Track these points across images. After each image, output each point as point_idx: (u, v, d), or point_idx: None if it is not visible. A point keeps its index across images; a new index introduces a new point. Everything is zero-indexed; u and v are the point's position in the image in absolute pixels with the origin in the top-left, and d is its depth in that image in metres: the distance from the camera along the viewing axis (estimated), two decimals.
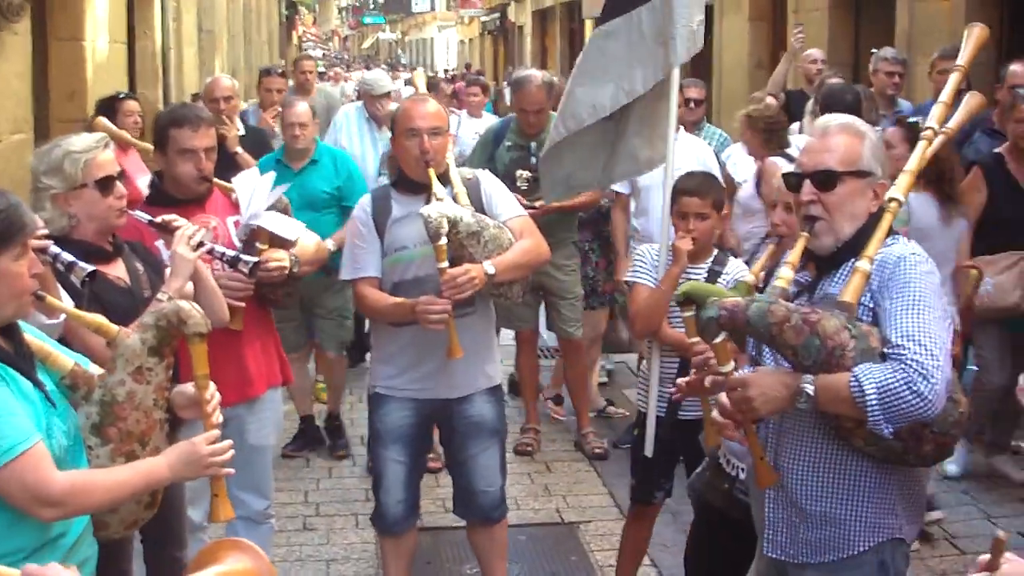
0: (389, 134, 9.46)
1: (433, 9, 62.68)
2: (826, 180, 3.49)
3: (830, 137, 3.55)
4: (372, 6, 79.38)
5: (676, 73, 5.64)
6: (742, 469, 4.29)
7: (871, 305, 3.36)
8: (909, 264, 3.35)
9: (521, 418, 8.03)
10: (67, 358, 3.41)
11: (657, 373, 5.30)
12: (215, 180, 4.94)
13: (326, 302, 7.61)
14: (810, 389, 3.31)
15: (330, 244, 6.29)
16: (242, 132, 8.68)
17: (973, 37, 4.31)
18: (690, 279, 5.08)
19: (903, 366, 3.17)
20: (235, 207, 4.98)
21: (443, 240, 4.72)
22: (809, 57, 10.04)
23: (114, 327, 3.52)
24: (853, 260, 3.44)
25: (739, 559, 4.58)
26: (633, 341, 8.73)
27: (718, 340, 3.47)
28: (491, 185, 5.21)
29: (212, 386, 3.51)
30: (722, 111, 13.30)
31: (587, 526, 6.60)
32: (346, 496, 7.11)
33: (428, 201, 4.86)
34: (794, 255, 3.79)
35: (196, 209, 4.81)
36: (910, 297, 3.28)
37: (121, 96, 8.77)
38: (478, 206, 5.03)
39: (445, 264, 4.76)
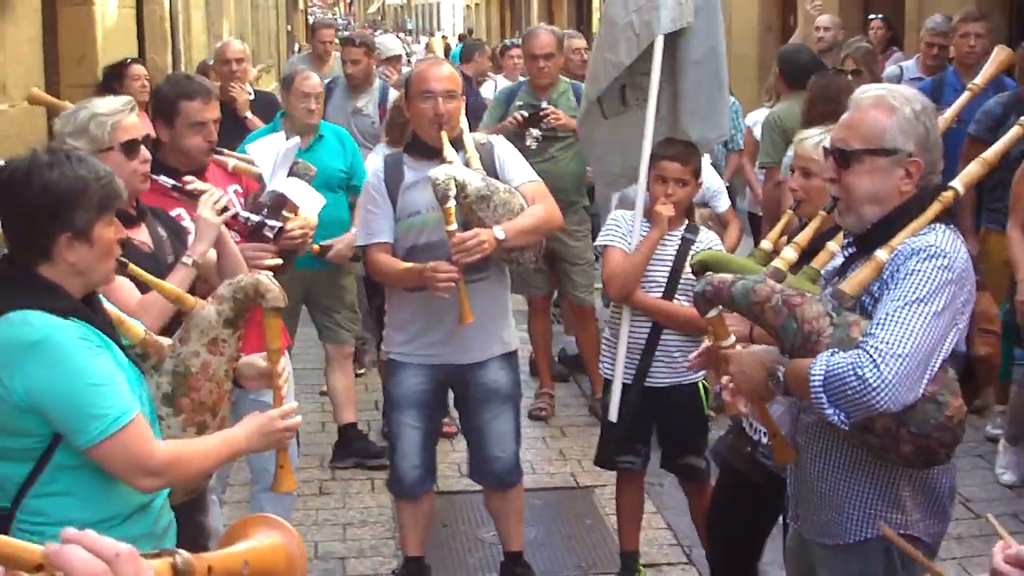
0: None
1: None
2: (843, 158, 3.32)
3: (857, 111, 3.37)
4: None
5: (659, 42, 5.53)
6: (764, 433, 4.30)
7: (877, 295, 3.24)
8: (920, 257, 3.16)
9: (535, 382, 8.04)
10: (139, 326, 3.44)
11: (626, 339, 5.31)
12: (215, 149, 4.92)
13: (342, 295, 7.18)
14: (780, 372, 3.29)
15: (354, 232, 6.15)
16: (251, 96, 8.66)
17: (996, 60, 4.28)
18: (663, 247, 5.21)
19: (859, 351, 3.07)
20: (231, 177, 4.98)
21: (451, 203, 4.71)
22: (816, 24, 9.77)
23: (191, 298, 3.55)
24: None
25: (761, 523, 4.61)
26: (567, 319, 8.80)
27: (713, 314, 3.43)
28: (504, 150, 5.20)
29: (284, 359, 3.54)
30: (732, 76, 13.24)
31: (602, 490, 6.61)
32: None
33: (439, 165, 4.84)
34: (803, 235, 3.82)
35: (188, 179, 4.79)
36: (906, 290, 3.13)
37: (128, 61, 8.74)
38: (491, 171, 5.02)
39: (454, 227, 4.75)
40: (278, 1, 31.68)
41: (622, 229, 5.36)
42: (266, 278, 3.57)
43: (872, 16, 11.57)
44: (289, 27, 34.91)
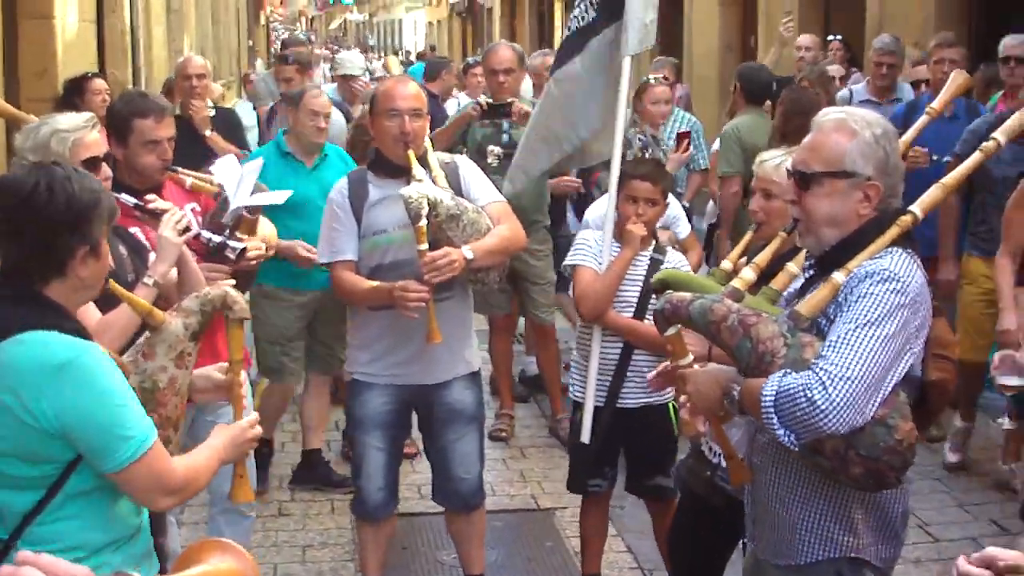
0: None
1: None
2: (803, 180, 3.34)
3: (818, 134, 3.38)
4: None
5: (627, 63, 5.62)
6: (723, 456, 4.30)
7: (832, 317, 3.23)
8: (873, 281, 3.17)
9: (495, 403, 8.02)
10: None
11: (597, 360, 5.30)
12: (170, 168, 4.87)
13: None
14: (735, 391, 3.30)
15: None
16: (212, 113, 8.61)
17: (954, 84, 4.33)
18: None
19: (810, 372, 3.08)
20: (189, 195, 4.94)
21: (423, 222, 4.68)
22: (797, 44, 9.87)
23: (161, 313, 3.51)
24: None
25: (720, 547, 4.60)
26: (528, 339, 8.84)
27: (671, 332, 3.46)
28: (469, 170, 5.19)
29: (244, 372, 3.53)
30: (693, 96, 13.35)
31: (563, 512, 6.59)
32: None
33: (407, 184, 4.80)
34: (763, 256, 3.85)
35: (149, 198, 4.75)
36: (857, 313, 3.14)
37: (89, 75, 8.67)
38: (456, 190, 5.00)
39: (425, 246, 4.73)
40: (239, 17, 31.66)
41: (592, 249, 5.36)
42: (233, 290, 3.56)
43: (831, 37, 11.66)
44: (251, 42, 34.85)
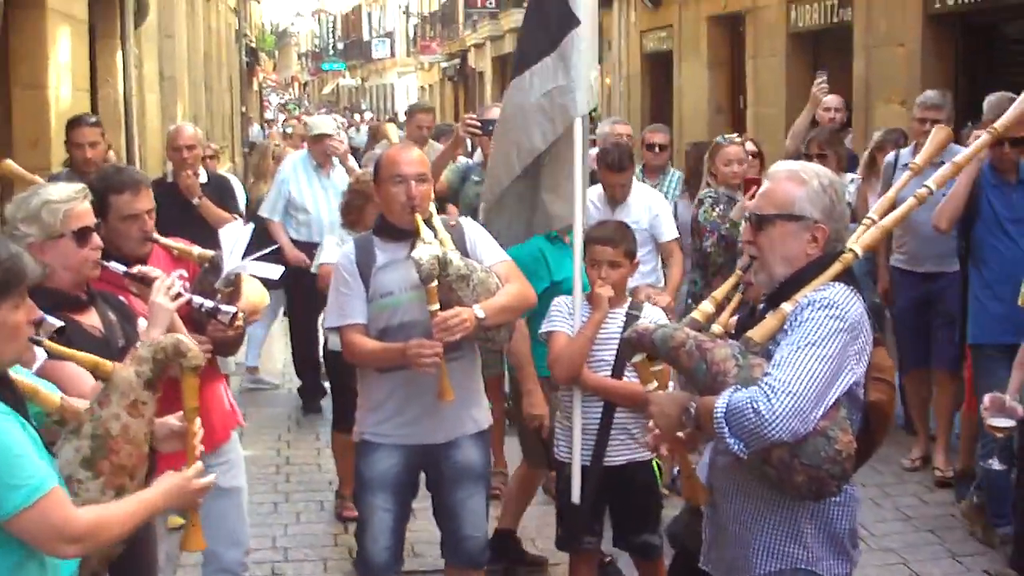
0: (339, 179, 9.60)
1: (393, 55, 62.87)
2: (758, 222, 3.73)
3: (773, 182, 3.78)
4: (332, 52, 79.64)
5: (578, 124, 5.67)
6: None
7: (780, 342, 3.54)
8: (815, 307, 3.51)
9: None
10: (55, 394, 3.45)
11: (579, 421, 5.36)
12: (155, 237, 4.90)
13: None
14: (692, 407, 3.59)
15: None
16: (204, 180, 8.69)
17: (935, 140, 4.43)
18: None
19: (757, 387, 3.39)
20: (176, 262, 4.97)
21: (434, 283, 4.75)
22: (824, 105, 9.69)
23: (108, 364, 3.53)
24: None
25: None
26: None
27: (638, 359, 3.82)
28: (474, 231, 5.25)
29: (198, 420, 3.55)
30: (682, 157, 13.48)
31: (555, 569, 6.60)
32: (315, 541, 7.10)
33: (412, 247, 4.87)
34: (720, 291, 4.25)
35: (139, 267, 4.78)
36: (800, 336, 3.46)
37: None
38: (463, 252, 5.05)
39: (436, 307, 4.79)
40: (232, 83, 31.84)
41: (563, 313, 5.44)
42: (187, 338, 3.58)
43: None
44: (243, 108, 35.05)
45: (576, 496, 5.35)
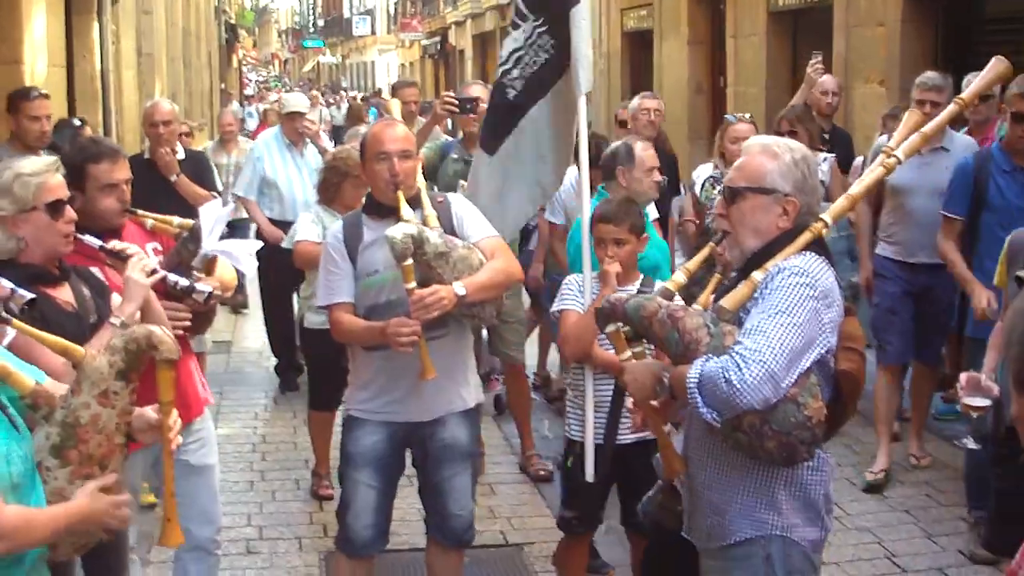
0: (312, 156, 9.57)
1: (374, 33, 62.69)
2: (731, 195, 3.77)
3: (746, 156, 3.82)
4: (312, 29, 79.38)
5: (582, 102, 5.67)
6: None
7: (751, 310, 3.57)
8: (785, 275, 3.54)
9: None
10: (28, 377, 3.38)
11: (592, 398, 5.33)
12: (131, 209, 4.87)
13: None
14: (666, 378, 3.68)
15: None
16: (181, 156, 8.63)
17: (908, 124, 4.30)
18: None
19: (728, 356, 3.43)
20: (149, 235, 4.94)
21: (409, 260, 4.72)
22: (821, 87, 9.45)
23: (80, 349, 3.49)
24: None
25: None
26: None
27: (611, 329, 3.86)
28: (461, 207, 5.23)
29: (175, 412, 3.51)
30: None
31: (531, 548, 6.62)
32: (290, 520, 7.08)
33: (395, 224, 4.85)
34: (693, 262, 4.31)
35: (114, 240, 4.75)
36: (770, 304, 3.50)
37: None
38: (449, 228, 5.05)
39: (413, 285, 4.76)
40: (211, 60, 31.69)
41: (575, 292, 5.40)
42: (159, 330, 3.52)
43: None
44: (223, 85, 34.90)
45: (591, 475, 5.32)
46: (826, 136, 8.92)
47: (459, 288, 4.84)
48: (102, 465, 3.43)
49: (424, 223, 4.97)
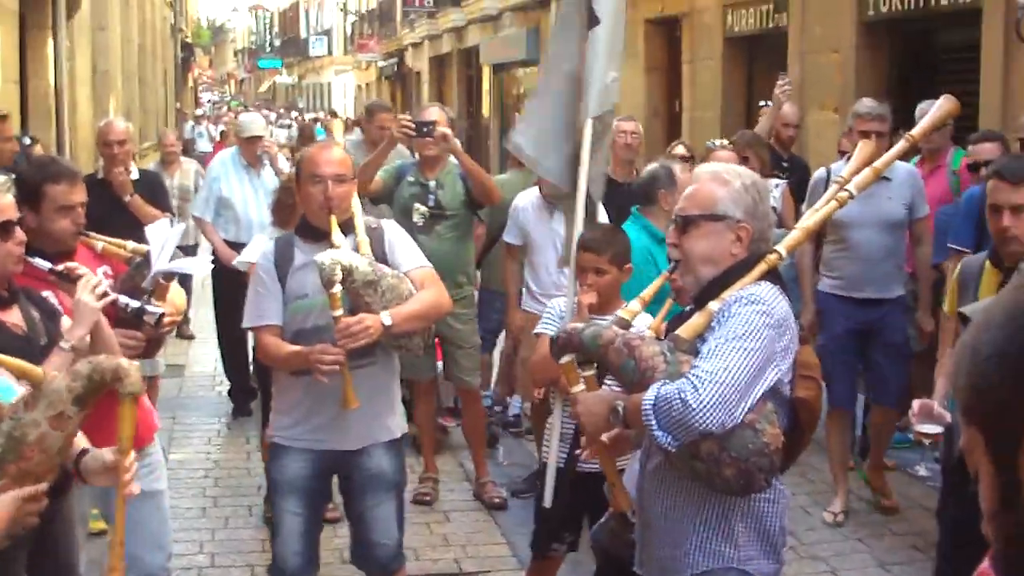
0: (269, 177, 9.52)
1: (331, 53, 62.59)
2: (682, 224, 3.75)
3: (697, 184, 3.82)
4: (269, 49, 79.12)
5: (588, 126, 5.60)
6: None
7: (707, 339, 3.55)
8: (742, 303, 3.53)
9: (420, 467, 7.98)
10: None
11: (559, 423, 5.30)
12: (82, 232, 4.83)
13: None
14: (620, 407, 3.63)
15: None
16: (135, 176, 8.57)
17: (862, 155, 4.29)
18: None
19: (684, 379, 3.41)
20: (100, 258, 4.88)
21: (337, 288, 4.68)
22: (783, 119, 9.17)
23: (39, 370, 3.43)
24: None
25: None
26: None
27: (566, 360, 3.83)
28: (394, 235, 5.19)
29: (133, 453, 3.43)
30: None
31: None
32: (242, 547, 7.01)
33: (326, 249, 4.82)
34: (648, 290, 4.32)
35: (65, 263, 4.70)
36: (727, 330, 3.49)
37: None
38: (380, 255, 5.00)
39: (339, 312, 4.72)
40: (167, 78, 31.55)
41: (555, 316, 5.38)
42: (127, 363, 3.47)
43: (761, 103, 11.77)
44: (178, 104, 34.73)
45: (548, 500, 5.29)
46: (785, 164, 8.90)
47: (386, 318, 4.80)
48: (39, 481, 3.37)
49: (356, 249, 4.93)
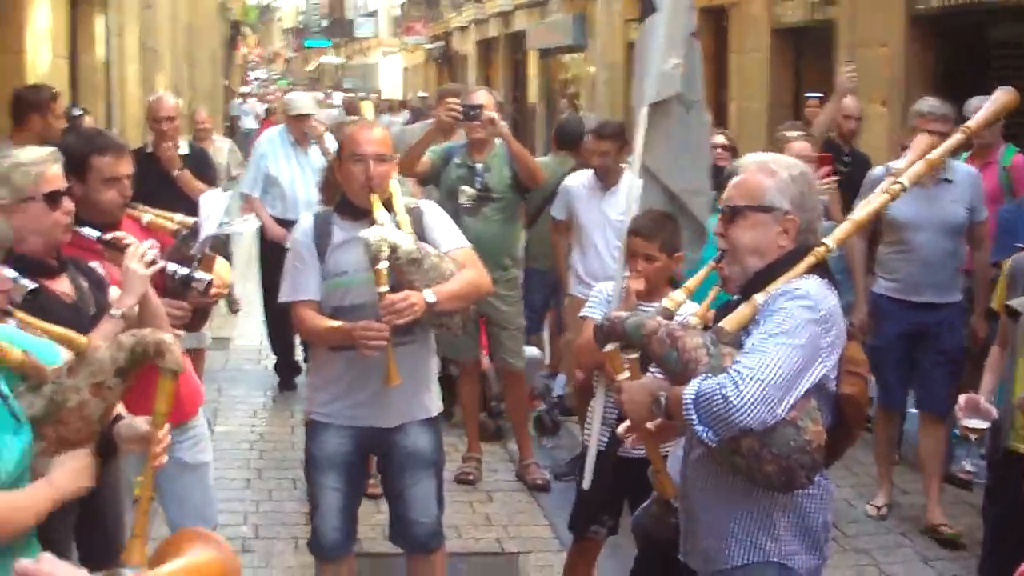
0: (316, 155, 9.55)
1: (377, 35, 62.62)
2: (729, 214, 3.72)
3: (744, 174, 3.77)
4: (316, 29, 79.27)
5: (644, 112, 5.61)
6: None
7: (751, 332, 3.53)
8: (787, 298, 3.50)
9: (464, 446, 8.02)
10: (16, 350, 3.28)
11: (601, 407, 5.30)
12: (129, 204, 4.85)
13: None
14: (663, 396, 3.62)
15: None
16: (184, 151, 8.63)
17: (919, 148, 4.25)
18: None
19: (726, 374, 3.39)
20: (145, 231, 4.89)
21: (383, 264, 4.69)
22: (844, 110, 9.02)
23: (82, 338, 3.45)
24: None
25: None
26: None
27: (610, 348, 3.79)
28: (433, 215, 5.19)
29: (167, 426, 3.45)
30: None
31: (527, 557, 6.59)
32: (286, 519, 7.06)
33: (370, 227, 4.81)
34: (693, 280, 4.26)
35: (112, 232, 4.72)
36: (771, 325, 3.46)
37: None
38: (420, 235, 5.00)
39: (385, 288, 4.73)
40: (215, 56, 31.68)
41: (601, 300, 5.37)
42: (170, 339, 3.46)
43: (808, 95, 11.70)
44: (227, 82, 34.87)
45: (586, 483, 5.30)
46: (846, 158, 8.79)
47: (430, 295, 4.81)
48: (75, 448, 3.38)
49: (397, 227, 4.93)
